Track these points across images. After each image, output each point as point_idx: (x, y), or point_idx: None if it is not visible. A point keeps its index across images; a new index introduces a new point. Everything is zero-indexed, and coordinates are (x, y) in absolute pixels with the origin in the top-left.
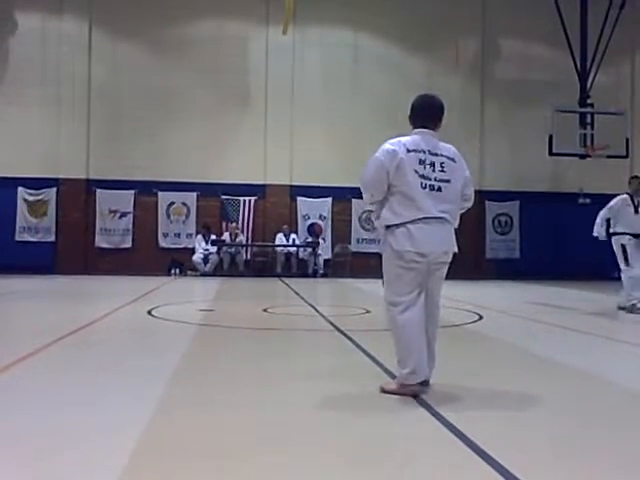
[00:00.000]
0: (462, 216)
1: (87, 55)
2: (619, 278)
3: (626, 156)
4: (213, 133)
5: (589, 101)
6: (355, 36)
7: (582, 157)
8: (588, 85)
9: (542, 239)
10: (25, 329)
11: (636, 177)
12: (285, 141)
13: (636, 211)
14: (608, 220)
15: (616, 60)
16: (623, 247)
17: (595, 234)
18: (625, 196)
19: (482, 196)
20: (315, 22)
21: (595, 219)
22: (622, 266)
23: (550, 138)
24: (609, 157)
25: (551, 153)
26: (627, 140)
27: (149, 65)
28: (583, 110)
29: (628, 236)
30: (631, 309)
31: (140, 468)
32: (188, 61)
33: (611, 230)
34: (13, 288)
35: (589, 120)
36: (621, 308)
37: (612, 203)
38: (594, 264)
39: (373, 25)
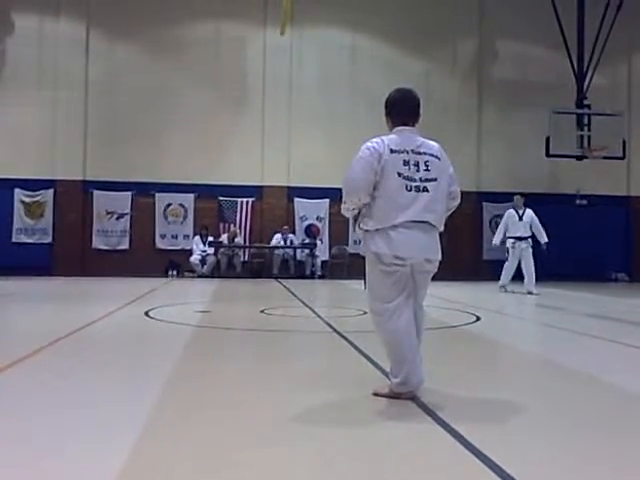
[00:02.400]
0: (459, 217)
1: (84, 56)
2: (616, 279)
3: (623, 157)
4: (210, 134)
5: (586, 102)
6: (353, 37)
7: (579, 158)
8: (585, 87)
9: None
10: (22, 331)
11: (519, 194)
12: (282, 142)
13: (520, 219)
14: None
15: (613, 61)
16: (507, 249)
17: (493, 242)
18: (511, 210)
19: (480, 197)
20: (313, 23)
21: (592, 220)
22: (506, 261)
23: (547, 139)
24: (606, 158)
25: (548, 154)
26: (624, 141)
27: (146, 66)
28: (580, 112)
29: (512, 240)
30: (504, 290)
31: (138, 468)
32: (186, 62)
33: (506, 234)
34: (10, 290)
35: (586, 122)
36: (517, 291)
37: (504, 218)
38: (591, 265)
39: (371, 26)
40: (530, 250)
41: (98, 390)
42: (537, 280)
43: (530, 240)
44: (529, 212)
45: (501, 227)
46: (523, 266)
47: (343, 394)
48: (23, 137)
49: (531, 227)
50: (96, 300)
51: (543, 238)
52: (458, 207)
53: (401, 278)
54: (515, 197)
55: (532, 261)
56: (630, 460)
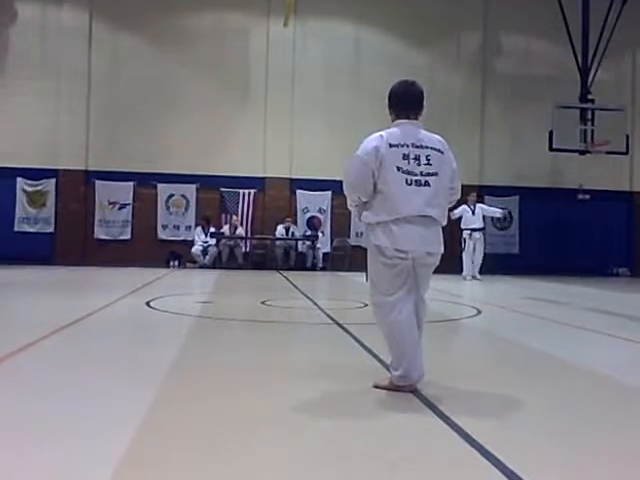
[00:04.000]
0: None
1: (87, 46)
2: (617, 274)
3: (626, 152)
4: (213, 125)
5: (590, 97)
6: (356, 29)
7: (582, 153)
8: (589, 81)
9: (541, 234)
10: (24, 320)
11: (474, 193)
12: (285, 134)
13: (473, 213)
14: (460, 218)
15: (617, 56)
16: (465, 239)
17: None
18: (465, 205)
19: (482, 191)
20: (316, 15)
21: (595, 215)
22: (464, 251)
23: (550, 134)
24: (609, 153)
25: (551, 149)
26: (627, 136)
27: (149, 57)
28: (584, 106)
29: (468, 231)
30: (464, 278)
31: (139, 457)
32: (189, 53)
33: (462, 226)
34: (12, 279)
35: (590, 116)
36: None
37: (461, 209)
38: (593, 259)
39: (374, 19)
40: (482, 240)
41: (98, 379)
42: (543, 274)
43: (482, 232)
44: (479, 206)
45: (459, 211)
46: (477, 253)
47: (343, 386)
48: (26, 126)
49: (484, 218)
50: (97, 290)
51: (497, 212)
52: (472, 193)
53: (403, 271)
54: (470, 194)
55: (482, 250)
56: (629, 453)
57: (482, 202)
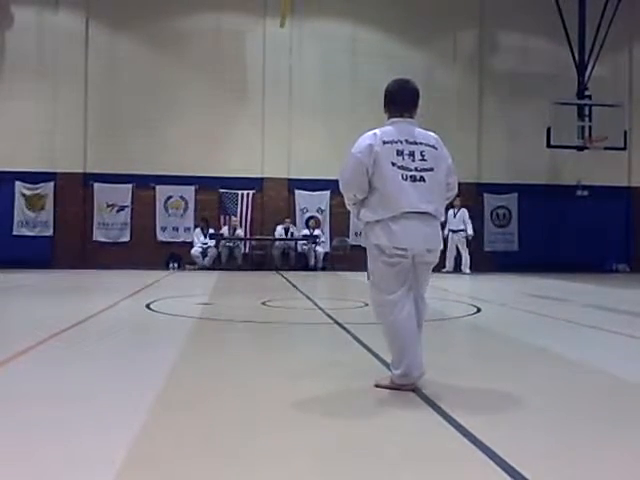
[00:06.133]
0: None
1: (84, 48)
2: (616, 270)
3: (624, 148)
4: (211, 126)
5: (587, 93)
6: (353, 29)
7: (580, 149)
8: (586, 77)
9: (540, 231)
10: (23, 323)
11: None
12: (283, 134)
13: (454, 216)
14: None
15: (614, 52)
16: (445, 238)
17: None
18: (450, 210)
19: (480, 189)
20: (313, 15)
21: (593, 211)
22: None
23: (548, 130)
24: (607, 149)
25: (549, 145)
26: (625, 132)
27: (146, 58)
28: (581, 102)
29: (446, 232)
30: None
31: (139, 460)
32: (185, 54)
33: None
34: (11, 283)
35: (587, 112)
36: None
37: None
38: (592, 256)
39: (371, 18)
40: (464, 240)
41: (100, 382)
42: (542, 271)
43: (463, 232)
44: (462, 210)
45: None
46: (461, 252)
47: (344, 385)
48: (23, 130)
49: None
50: (97, 293)
51: (468, 231)
52: (457, 197)
53: (403, 269)
54: (456, 199)
55: (466, 248)
56: (629, 449)
57: (470, 209)
